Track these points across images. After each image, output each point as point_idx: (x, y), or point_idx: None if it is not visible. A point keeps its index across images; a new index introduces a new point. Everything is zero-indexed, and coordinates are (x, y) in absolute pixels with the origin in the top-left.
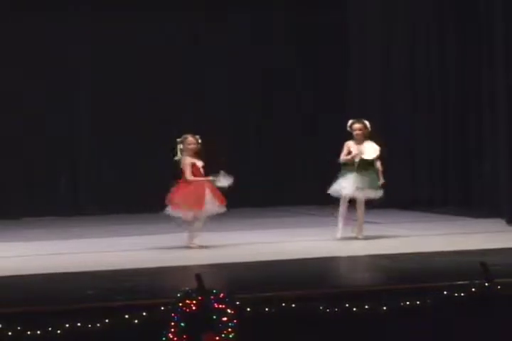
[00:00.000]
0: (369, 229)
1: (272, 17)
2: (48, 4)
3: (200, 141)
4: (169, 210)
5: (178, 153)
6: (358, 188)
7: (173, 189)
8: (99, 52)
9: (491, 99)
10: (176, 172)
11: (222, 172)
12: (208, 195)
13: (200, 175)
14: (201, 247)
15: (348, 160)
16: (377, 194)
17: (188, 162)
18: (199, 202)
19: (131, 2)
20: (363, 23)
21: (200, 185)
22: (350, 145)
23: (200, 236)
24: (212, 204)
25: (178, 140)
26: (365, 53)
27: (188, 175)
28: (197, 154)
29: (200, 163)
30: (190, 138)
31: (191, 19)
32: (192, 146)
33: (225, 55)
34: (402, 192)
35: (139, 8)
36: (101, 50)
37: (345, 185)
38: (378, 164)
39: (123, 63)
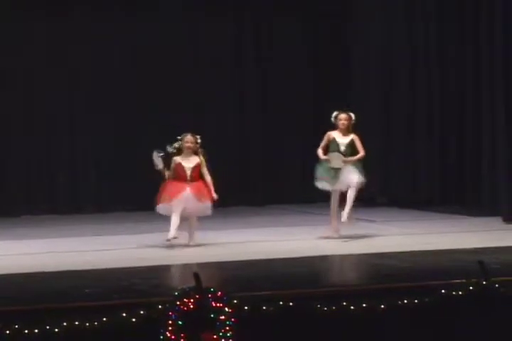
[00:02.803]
0: (367, 228)
1: (273, 18)
2: (48, 4)
3: (199, 140)
4: (158, 208)
5: (172, 148)
6: (350, 178)
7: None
8: (99, 52)
9: (491, 98)
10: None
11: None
12: (186, 193)
13: (184, 176)
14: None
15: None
16: (361, 178)
17: (175, 163)
18: (173, 196)
19: (132, 2)
20: (363, 23)
21: (180, 185)
22: (333, 135)
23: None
24: (186, 202)
25: (179, 137)
26: (365, 53)
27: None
28: (195, 154)
29: (189, 164)
30: (188, 137)
31: (191, 19)
32: (188, 145)
33: (225, 53)
34: (400, 191)
35: (141, 9)
36: (101, 49)
37: (346, 178)
38: (362, 152)
39: (123, 63)
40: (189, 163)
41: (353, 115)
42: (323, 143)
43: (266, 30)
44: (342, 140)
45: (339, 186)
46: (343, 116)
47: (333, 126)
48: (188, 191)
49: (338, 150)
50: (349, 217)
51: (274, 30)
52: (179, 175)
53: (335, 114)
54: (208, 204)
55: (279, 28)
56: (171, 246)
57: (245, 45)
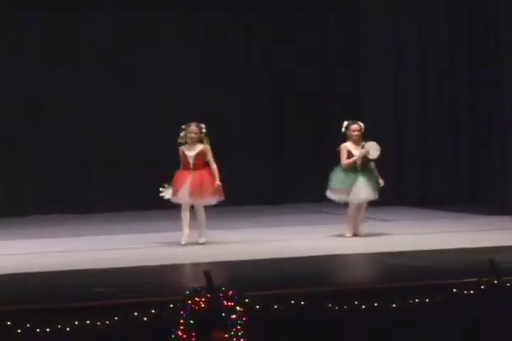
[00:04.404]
0: (378, 227)
1: (279, 17)
2: (49, 3)
3: (204, 130)
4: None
5: (181, 138)
6: (368, 192)
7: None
8: (104, 51)
9: (501, 98)
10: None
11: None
12: (187, 184)
13: (187, 164)
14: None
15: (352, 164)
16: (376, 195)
17: (180, 152)
18: (176, 190)
19: (133, 1)
20: (373, 23)
21: (183, 175)
22: (348, 147)
23: (190, 232)
24: (187, 194)
25: (183, 127)
26: (375, 53)
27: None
28: (200, 142)
29: (191, 152)
30: (192, 127)
31: (199, 19)
32: (192, 135)
33: (234, 55)
34: (411, 190)
35: (143, 8)
36: (106, 49)
37: (359, 192)
38: (373, 164)
39: (131, 62)
40: (191, 151)
41: (362, 124)
42: (345, 156)
43: (273, 30)
44: (356, 151)
45: (354, 198)
46: (355, 126)
47: (344, 136)
48: (187, 186)
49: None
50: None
51: (279, 30)
52: (184, 163)
53: (345, 124)
54: (208, 196)
55: (286, 27)
56: (182, 245)
57: (253, 44)
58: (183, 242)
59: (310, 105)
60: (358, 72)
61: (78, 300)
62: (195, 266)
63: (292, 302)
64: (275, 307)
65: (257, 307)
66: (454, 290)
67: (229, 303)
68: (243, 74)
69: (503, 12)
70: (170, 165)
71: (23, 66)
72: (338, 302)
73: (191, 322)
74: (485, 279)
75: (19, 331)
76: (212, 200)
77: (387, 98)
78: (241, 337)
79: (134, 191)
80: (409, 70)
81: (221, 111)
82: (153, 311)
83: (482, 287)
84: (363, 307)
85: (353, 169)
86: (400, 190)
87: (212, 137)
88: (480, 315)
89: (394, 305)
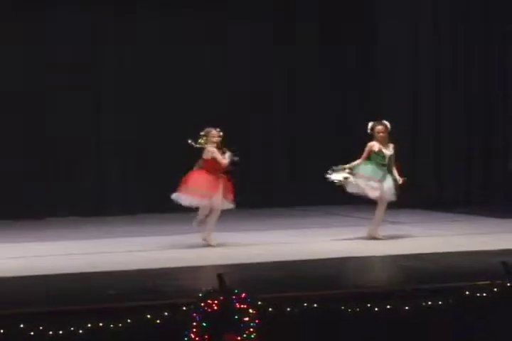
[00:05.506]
0: (392, 229)
1: (295, 17)
2: (50, 2)
3: (221, 133)
4: (176, 195)
5: (201, 144)
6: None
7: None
8: (125, 53)
9: None
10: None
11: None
12: (220, 188)
13: (220, 168)
14: (211, 245)
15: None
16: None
17: (215, 150)
18: (211, 191)
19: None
20: (390, 21)
21: (215, 177)
22: (375, 147)
23: (212, 234)
24: (221, 198)
25: (202, 133)
26: (392, 51)
27: (220, 159)
28: (218, 147)
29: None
30: (214, 132)
31: (213, 18)
32: (216, 139)
33: (248, 54)
34: (425, 193)
35: (143, 7)
36: (115, 51)
37: (388, 188)
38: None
39: (144, 64)
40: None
41: (388, 124)
42: (365, 155)
43: (286, 30)
44: (387, 151)
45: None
46: (380, 128)
47: (370, 136)
48: (220, 191)
49: (383, 163)
50: (373, 233)
51: (297, 30)
52: (215, 168)
53: (370, 125)
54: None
55: (298, 28)
56: (195, 248)
57: (269, 44)
58: (215, 244)
59: (326, 107)
60: (375, 71)
61: (91, 302)
62: (209, 268)
63: (305, 305)
64: (288, 309)
65: (270, 309)
66: (467, 292)
67: (242, 306)
68: (257, 74)
69: None
70: (184, 168)
71: (28, 66)
72: (350, 305)
73: (204, 324)
74: (498, 281)
75: (32, 333)
76: (232, 205)
77: (402, 100)
78: (254, 339)
79: (149, 193)
80: (425, 71)
81: (238, 112)
82: (166, 313)
83: (495, 289)
84: (376, 309)
85: (383, 165)
86: (414, 192)
87: (226, 139)
88: (493, 317)
89: (406, 308)
